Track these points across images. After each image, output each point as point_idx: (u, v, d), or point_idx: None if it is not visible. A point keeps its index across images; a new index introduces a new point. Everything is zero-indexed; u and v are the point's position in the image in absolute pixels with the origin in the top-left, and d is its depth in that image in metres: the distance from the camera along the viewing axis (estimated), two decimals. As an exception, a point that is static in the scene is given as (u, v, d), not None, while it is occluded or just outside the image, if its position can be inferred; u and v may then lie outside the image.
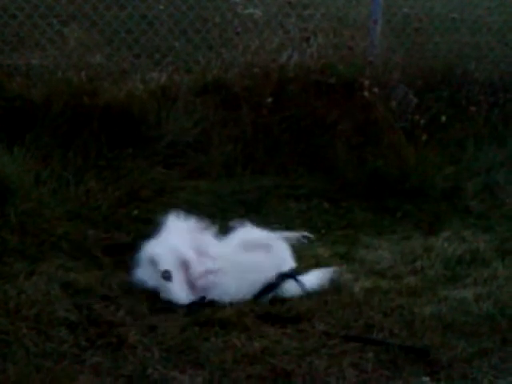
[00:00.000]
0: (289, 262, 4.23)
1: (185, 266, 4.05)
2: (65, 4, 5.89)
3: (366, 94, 5.73)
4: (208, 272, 4.05)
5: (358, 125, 5.81)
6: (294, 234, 4.47)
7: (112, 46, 5.88)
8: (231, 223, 4.41)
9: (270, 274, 4.10)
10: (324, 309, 3.95)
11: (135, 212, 4.89)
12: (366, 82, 5.78)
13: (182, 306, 3.93)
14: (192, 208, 4.83)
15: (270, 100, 5.64)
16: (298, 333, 3.74)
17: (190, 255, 4.09)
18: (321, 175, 5.61)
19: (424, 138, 5.72)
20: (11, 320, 3.64)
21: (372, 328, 3.81)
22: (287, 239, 4.33)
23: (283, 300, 4.06)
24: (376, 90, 5.76)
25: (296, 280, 4.11)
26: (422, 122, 5.76)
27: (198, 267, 4.06)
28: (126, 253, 4.53)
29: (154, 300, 3.97)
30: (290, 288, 4.11)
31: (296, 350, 3.59)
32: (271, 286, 4.08)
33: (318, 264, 4.44)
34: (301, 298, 4.08)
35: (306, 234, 4.53)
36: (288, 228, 4.76)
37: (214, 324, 3.75)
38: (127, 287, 4.09)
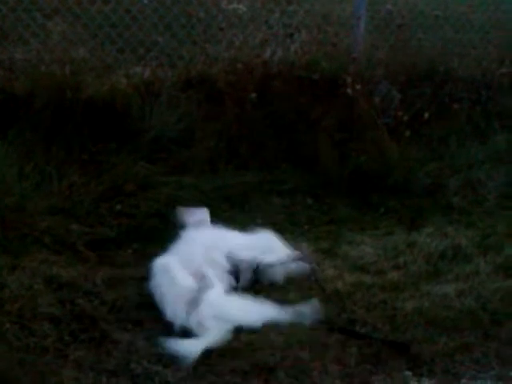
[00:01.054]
0: None
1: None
2: (48, -3, 5.85)
3: (349, 90, 5.74)
4: None
5: (341, 121, 5.82)
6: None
7: (96, 41, 5.84)
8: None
9: None
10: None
11: (118, 207, 4.87)
12: (350, 79, 5.79)
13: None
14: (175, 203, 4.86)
15: (253, 95, 5.64)
16: (283, 327, 3.75)
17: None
18: (304, 171, 5.62)
19: (407, 134, 5.75)
20: (-6, 315, 3.64)
21: (355, 322, 3.83)
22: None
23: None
24: (359, 86, 5.77)
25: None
26: (405, 118, 5.79)
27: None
28: (109, 247, 4.54)
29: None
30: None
31: (280, 344, 3.61)
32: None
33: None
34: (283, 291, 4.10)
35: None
36: (271, 224, 4.77)
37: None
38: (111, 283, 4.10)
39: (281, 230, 4.68)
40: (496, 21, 7.06)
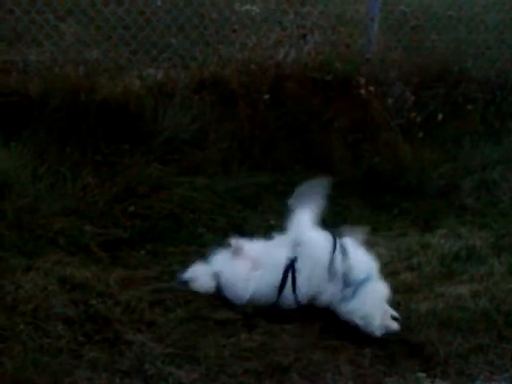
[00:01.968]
0: None
1: None
2: (62, -1, 5.87)
3: (362, 91, 5.74)
4: None
5: (354, 122, 5.81)
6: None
7: (109, 42, 5.86)
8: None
9: None
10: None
11: (132, 208, 4.88)
12: (363, 80, 5.79)
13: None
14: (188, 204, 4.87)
15: (266, 97, 5.64)
16: (296, 328, 3.75)
17: None
18: (317, 172, 5.60)
19: (420, 135, 5.74)
20: (8, 315, 3.65)
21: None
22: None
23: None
24: (373, 87, 5.76)
25: None
26: (419, 119, 5.78)
27: None
28: (122, 248, 4.54)
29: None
30: None
31: (293, 345, 3.61)
32: None
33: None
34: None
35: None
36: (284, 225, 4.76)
37: (211, 320, 3.77)
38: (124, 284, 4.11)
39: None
40: (510, 21, 7.03)
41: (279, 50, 6.01)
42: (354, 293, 3.76)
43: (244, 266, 3.94)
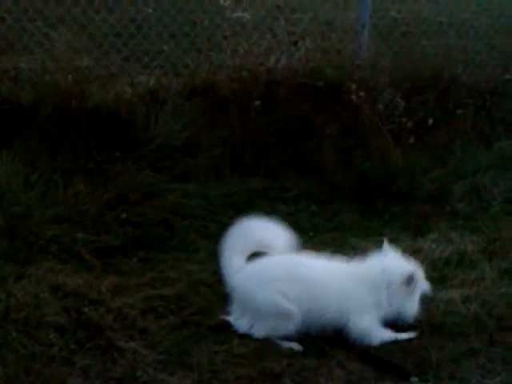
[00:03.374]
0: None
1: None
2: (53, 7, 5.87)
3: (353, 97, 5.76)
4: None
5: (345, 128, 5.83)
6: None
7: (100, 50, 5.87)
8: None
9: None
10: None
11: (124, 215, 4.88)
12: (354, 86, 5.81)
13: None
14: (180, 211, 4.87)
15: (258, 103, 5.65)
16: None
17: None
18: (309, 178, 5.63)
19: (411, 140, 5.76)
20: (0, 323, 3.64)
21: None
22: None
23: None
24: (363, 93, 5.78)
25: None
26: (410, 124, 5.79)
27: None
28: (114, 256, 4.54)
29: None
30: None
31: (286, 350, 3.62)
32: None
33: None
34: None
35: None
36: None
37: (204, 327, 3.77)
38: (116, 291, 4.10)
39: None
40: (500, 27, 7.07)
41: (270, 56, 6.03)
42: None
43: None
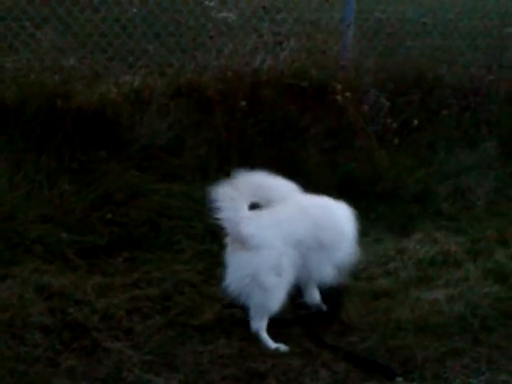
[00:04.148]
0: None
1: None
2: (38, 7, 5.85)
3: (338, 97, 5.76)
4: None
5: (330, 128, 5.83)
6: None
7: (85, 49, 5.86)
8: None
9: None
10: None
11: (109, 215, 4.87)
12: (339, 86, 5.81)
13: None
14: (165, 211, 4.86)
15: (243, 103, 5.65)
16: (275, 335, 3.76)
17: None
18: (294, 178, 5.61)
19: (396, 141, 5.77)
20: (-15, 324, 3.63)
21: (345, 329, 3.84)
22: None
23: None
24: (348, 93, 5.79)
25: None
26: (394, 125, 5.81)
27: None
28: (99, 256, 4.54)
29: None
30: None
31: (271, 351, 3.62)
32: None
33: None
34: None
35: None
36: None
37: (189, 327, 3.78)
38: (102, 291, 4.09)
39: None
40: (483, 27, 7.10)
41: (255, 56, 6.03)
42: None
43: None
